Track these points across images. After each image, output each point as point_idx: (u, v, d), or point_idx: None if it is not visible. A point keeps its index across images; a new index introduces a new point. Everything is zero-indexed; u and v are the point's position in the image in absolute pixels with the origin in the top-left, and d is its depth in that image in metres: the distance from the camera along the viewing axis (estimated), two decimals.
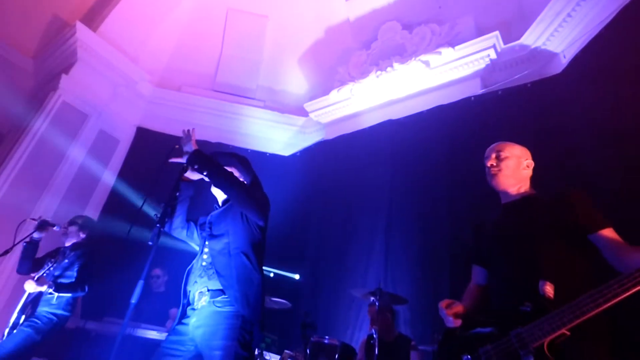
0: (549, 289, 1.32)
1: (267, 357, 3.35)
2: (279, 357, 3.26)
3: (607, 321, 1.35)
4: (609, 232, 1.45)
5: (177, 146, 2.01)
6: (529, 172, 1.75)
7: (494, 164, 1.73)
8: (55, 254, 3.36)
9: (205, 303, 1.81)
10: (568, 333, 1.24)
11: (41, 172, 4.92)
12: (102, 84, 5.68)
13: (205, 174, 1.93)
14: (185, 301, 1.89)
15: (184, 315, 1.87)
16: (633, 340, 2.10)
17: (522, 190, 1.71)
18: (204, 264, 1.90)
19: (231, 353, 1.67)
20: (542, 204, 1.60)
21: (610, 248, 1.42)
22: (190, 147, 1.96)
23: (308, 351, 2.77)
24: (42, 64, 5.72)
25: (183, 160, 2.00)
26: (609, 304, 1.19)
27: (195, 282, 1.88)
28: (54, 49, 5.57)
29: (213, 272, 1.84)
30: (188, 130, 2.02)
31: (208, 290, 1.82)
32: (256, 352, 3.22)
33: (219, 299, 1.79)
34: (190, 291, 1.89)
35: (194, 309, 1.84)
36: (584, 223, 1.47)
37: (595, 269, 1.47)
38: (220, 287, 1.80)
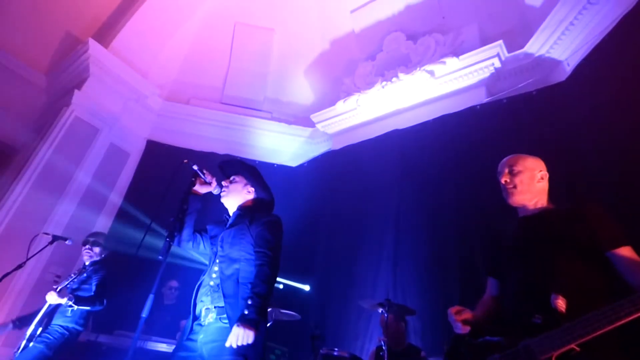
0: (561, 303, 1.30)
1: None
2: None
3: (619, 336, 1.31)
4: (625, 251, 1.42)
5: (185, 161, 2.06)
6: (544, 184, 1.72)
7: (508, 180, 1.71)
8: (77, 270, 3.43)
9: (212, 319, 1.83)
10: (578, 349, 1.22)
11: (54, 186, 5.01)
12: (113, 99, 5.79)
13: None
14: (194, 316, 1.90)
15: (191, 330, 1.88)
16: None
17: (539, 204, 1.69)
18: (211, 283, 1.91)
19: None
20: (559, 219, 1.57)
21: (626, 267, 1.39)
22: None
23: None
24: (54, 79, 5.87)
25: (212, 188, 2.13)
26: (620, 322, 1.17)
27: (202, 300, 1.90)
28: (66, 65, 5.71)
29: (219, 296, 1.85)
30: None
31: (215, 307, 1.85)
32: None
33: (225, 315, 1.81)
34: (197, 306, 1.91)
35: (201, 325, 1.86)
36: (601, 241, 1.45)
37: (613, 286, 1.44)
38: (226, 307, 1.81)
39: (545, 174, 1.73)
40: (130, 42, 5.83)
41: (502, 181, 1.72)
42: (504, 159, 1.79)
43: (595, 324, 1.19)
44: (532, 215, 1.67)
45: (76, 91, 5.35)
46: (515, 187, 1.69)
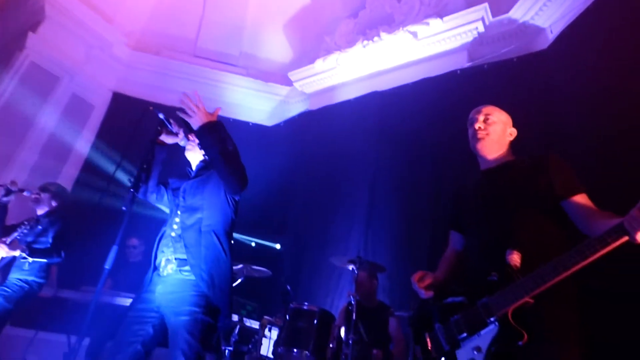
0: (515, 258, 1.34)
1: (247, 324, 3.39)
2: (258, 323, 3.31)
3: (573, 286, 1.37)
4: (580, 198, 1.43)
5: (151, 107, 1.93)
6: (510, 139, 1.72)
7: (482, 127, 1.67)
8: (28, 221, 3.25)
9: (171, 271, 1.78)
10: (531, 301, 1.27)
11: (10, 138, 4.69)
12: (74, 45, 5.38)
13: (209, 151, 1.85)
14: (153, 267, 1.85)
15: (150, 281, 1.83)
16: (600, 304, 2.19)
17: (502, 156, 1.68)
18: (173, 234, 1.86)
19: (197, 319, 1.67)
20: (520, 170, 1.58)
21: (581, 214, 1.41)
22: (201, 120, 1.85)
23: (287, 317, 2.80)
24: (5, 20, 5.32)
25: (179, 140, 2.01)
26: (569, 272, 1.22)
27: (163, 250, 1.85)
28: (18, 4, 5.19)
29: (181, 245, 1.80)
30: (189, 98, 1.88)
31: (175, 259, 1.80)
32: (237, 319, 3.26)
33: (186, 267, 1.77)
34: (158, 257, 1.85)
35: (159, 276, 1.81)
36: (557, 189, 1.45)
37: (571, 237, 1.46)
38: (187, 258, 1.77)
39: (514, 130, 1.73)
40: None
41: (476, 127, 1.68)
42: (479, 107, 1.74)
43: (546, 276, 1.24)
44: (494, 167, 1.66)
45: (30, 34, 4.92)
46: (487, 134, 1.66)
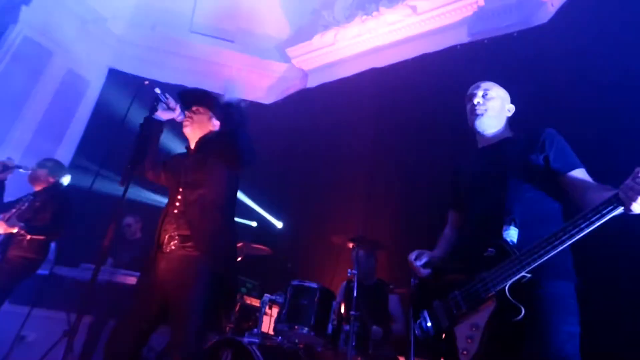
0: (512, 233, 1.35)
1: (247, 301, 3.43)
2: (259, 300, 3.34)
3: (570, 259, 1.39)
4: (578, 173, 1.43)
5: (146, 82, 1.90)
6: (508, 115, 1.72)
7: (481, 102, 1.67)
8: (26, 198, 3.23)
9: (174, 247, 1.79)
10: (528, 275, 1.28)
11: (4, 115, 4.62)
12: (67, 19, 5.26)
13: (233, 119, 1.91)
14: (157, 245, 1.86)
15: (154, 259, 1.84)
16: (598, 278, 2.22)
17: (500, 132, 1.68)
18: (176, 211, 1.85)
19: (199, 294, 1.69)
20: (517, 146, 1.58)
21: (578, 189, 1.40)
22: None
23: (288, 294, 2.83)
24: None
25: (176, 115, 2.05)
26: (565, 245, 1.22)
27: (166, 229, 1.85)
28: None
29: (184, 222, 1.80)
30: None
31: (178, 235, 1.80)
32: (237, 296, 3.30)
33: (189, 243, 1.77)
34: (161, 235, 1.86)
35: (162, 253, 1.82)
36: (555, 164, 1.45)
37: (567, 211, 1.46)
38: (191, 234, 1.78)
39: (512, 107, 1.73)
40: None
41: (474, 101, 1.68)
42: (478, 83, 1.74)
43: (542, 250, 1.24)
44: (491, 144, 1.66)
45: (23, 7, 4.80)
46: (486, 110, 1.66)
